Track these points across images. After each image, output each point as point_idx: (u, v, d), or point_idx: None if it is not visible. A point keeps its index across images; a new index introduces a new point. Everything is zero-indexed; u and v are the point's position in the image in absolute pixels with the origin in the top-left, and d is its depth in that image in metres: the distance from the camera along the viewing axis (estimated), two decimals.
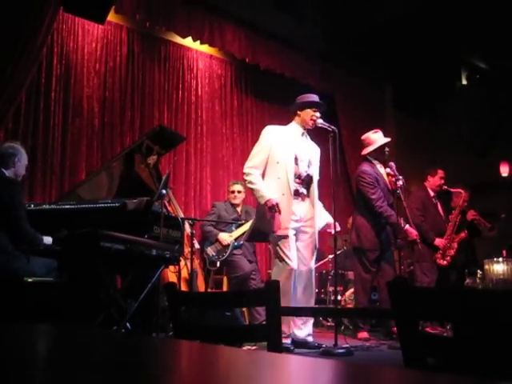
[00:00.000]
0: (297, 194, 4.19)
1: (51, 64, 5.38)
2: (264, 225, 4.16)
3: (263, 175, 4.21)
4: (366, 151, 5.10)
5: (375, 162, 5.07)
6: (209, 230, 5.51)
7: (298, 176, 4.21)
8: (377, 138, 5.06)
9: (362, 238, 4.97)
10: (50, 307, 3.36)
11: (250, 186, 4.21)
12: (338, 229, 4.38)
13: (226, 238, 5.40)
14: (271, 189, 4.10)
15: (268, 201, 4.04)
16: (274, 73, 6.95)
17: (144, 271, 3.90)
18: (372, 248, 4.94)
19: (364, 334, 4.93)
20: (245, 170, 4.23)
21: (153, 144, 4.43)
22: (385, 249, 4.98)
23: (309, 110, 4.30)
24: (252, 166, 4.21)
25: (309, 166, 4.30)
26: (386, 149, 5.06)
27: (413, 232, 4.92)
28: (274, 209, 4.03)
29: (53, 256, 3.56)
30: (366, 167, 5.04)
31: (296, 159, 4.21)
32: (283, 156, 4.16)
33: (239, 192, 5.70)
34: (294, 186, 4.15)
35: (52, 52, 5.39)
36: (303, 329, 4.21)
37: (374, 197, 4.88)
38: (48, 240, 3.54)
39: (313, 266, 4.30)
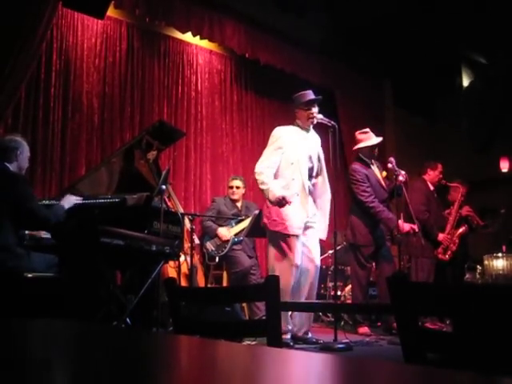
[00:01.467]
0: (309, 191, 4.21)
1: (51, 59, 5.37)
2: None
3: (275, 176, 4.19)
4: (354, 148, 5.20)
5: (367, 159, 5.11)
6: (208, 225, 5.51)
7: (310, 173, 4.24)
8: (363, 138, 5.12)
9: (356, 234, 5.03)
10: (50, 303, 3.36)
11: (261, 186, 4.15)
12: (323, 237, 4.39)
13: (225, 233, 5.40)
14: (283, 189, 4.10)
15: (277, 198, 4.02)
16: (274, 68, 6.94)
17: (144, 267, 3.91)
18: (366, 244, 4.99)
19: (365, 329, 4.95)
20: (257, 170, 4.19)
21: (152, 139, 4.42)
22: (380, 244, 5.01)
23: (305, 110, 4.30)
24: (266, 166, 4.18)
25: (319, 160, 4.33)
26: (375, 149, 5.10)
27: (404, 226, 4.95)
28: (281, 203, 4.02)
29: (53, 252, 3.56)
30: (355, 165, 5.12)
31: (310, 157, 4.23)
32: (297, 157, 4.17)
33: (238, 188, 5.70)
34: (308, 185, 4.17)
35: (51, 47, 5.38)
36: (302, 325, 4.22)
37: (363, 193, 4.95)
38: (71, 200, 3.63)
39: (319, 263, 4.31)
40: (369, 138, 5.08)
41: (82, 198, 3.78)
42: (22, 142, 3.65)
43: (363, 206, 4.95)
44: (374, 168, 5.13)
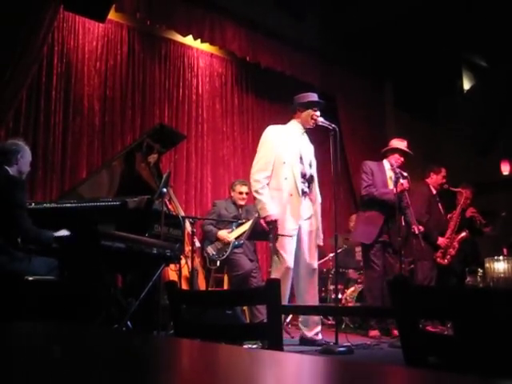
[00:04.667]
0: (302, 192, 4.20)
1: (52, 63, 5.38)
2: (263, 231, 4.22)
3: (270, 176, 4.20)
4: (383, 150, 5.27)
5: (386, 162, 5.12)
6: (209, 230, 5.49)
7: (303, 175, 4.23)
8: (394, 144, 5.20)
9: (361, 232, 5.06)
10: (51, 306, 3.36)
11: (255, 194, 4.19)
12: (321, 243, 4.40)
13: (225, 235, 5.38)
14: (275, 200, 4.11)
15: (267, 216, 4.07)
16: (275, 71, 6.95)
17: (145, 270, 3.90)
18: (371, 243, 4.96)
19: (375, 333, 4.94)
20: (253, 176, 4.21)
21: (153, 142, 4.43)
22: (388, 243, 4.98)
23: (309, 110, 4.31)
24: (260, 169, 4.19)
25: (310, 165, 4.32)
26: (400, 157, 5.08)
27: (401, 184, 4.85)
28: (271, 225, 4.06)
29: (54, 255, 3.56)
30: (368, 161, 5.22)
31: (301, 158, 4.22)
32: (289, 156, 4.17)
33: (247, 194, 5.68)
34: (301, 185, 4.17)
35: (53, 51, 5.39)
36: (313, 328, 4.22)
37: (364, 183, 5.04)
38: (63, 233, 3.52)
39: (316, 265, 4.31)
40: (400, 145, 5.14)
41: (69, 233, 3.66)
42: (23, 146, 3.66)
43: (363, 200, 5.04)
44: (389, 172, 5.09)
